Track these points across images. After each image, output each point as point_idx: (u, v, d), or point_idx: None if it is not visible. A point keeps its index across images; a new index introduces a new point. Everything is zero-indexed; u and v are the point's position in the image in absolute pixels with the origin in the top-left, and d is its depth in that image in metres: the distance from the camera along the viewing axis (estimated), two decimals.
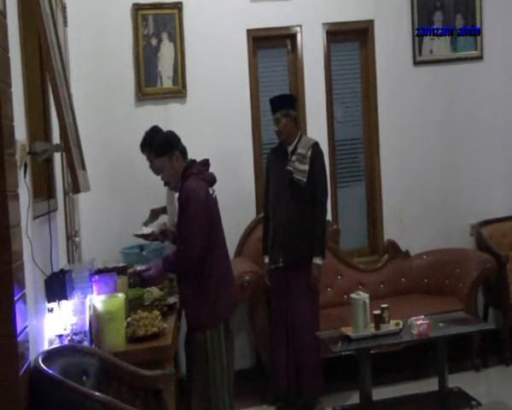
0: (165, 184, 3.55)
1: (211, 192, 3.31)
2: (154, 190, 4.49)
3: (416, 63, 5.04)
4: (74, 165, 2.68)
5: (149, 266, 3.34)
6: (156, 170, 3.70)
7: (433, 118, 5.09)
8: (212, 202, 3.30)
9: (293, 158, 4.06)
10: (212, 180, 3.35)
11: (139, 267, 3.38)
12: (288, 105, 4.11)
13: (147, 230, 4.03)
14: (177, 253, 3.23)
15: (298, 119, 4.26)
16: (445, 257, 4.87)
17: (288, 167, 4.06)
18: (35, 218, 2.53)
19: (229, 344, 3.30)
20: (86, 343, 2.62)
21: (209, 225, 3.20)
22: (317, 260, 4.01)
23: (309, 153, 4.06)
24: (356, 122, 5.16)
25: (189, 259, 3.14)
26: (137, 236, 4.14)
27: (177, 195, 3.43)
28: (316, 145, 4.12)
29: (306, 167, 4.03)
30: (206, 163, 3.35)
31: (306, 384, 4.05)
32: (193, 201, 3.13)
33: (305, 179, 4.02)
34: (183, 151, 3.32)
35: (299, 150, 4.07)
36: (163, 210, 4.34)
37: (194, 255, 3.13)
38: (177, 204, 3.42)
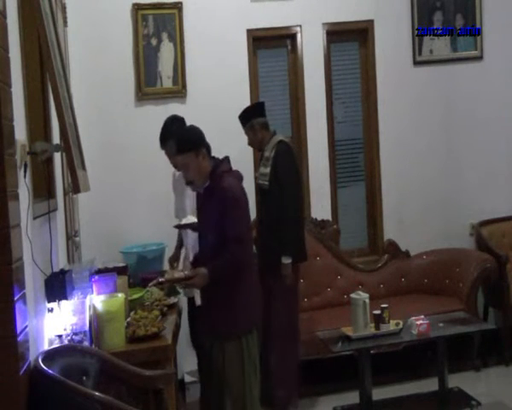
0: (188, 183, 3.17)
1: None
2: (155, 190, 4.50)
3: (416, 63, 5.04)
4: (74, 165, 2.68)
5: (192, 273, 3.01)
6: (180, 167, 3.37)
7: (433, 118, 5.09)
8: (247, 201, 3.18)
9: (260, 163, 4.04)
10: (241, 178, 3.19)
11: (177, 274, 3.06)
12: (250, 116, 4.01)
13: (192, 219, 3.55)
14: (228, 253, 2.98)
15: (266, 123, 4.06)
16: (444, 257, 4.87)
17: (255, 173, 4.04)
18: (35, 218, 2.54)
19: (258, 348, 3.15)
20: (86, 343, 2.62)
21: (248, 224, 3.16)
22: (284, 260, 3.86)
23: (272, 154, 3.95)
24: (356, 122, 5.16)
25: (240, 257, 3.01)
26: (180, 226, 3.78)
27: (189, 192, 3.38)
28: (279, 143, 3.96)
29: (268, 170, 3.93)
30: (229, 160, 3.19)
31: (277, 388, 3.96)
32: (241, 201, 3.04)
33: (266, 183, 3.92)
34: (209, 148, 3.12)
35: (265, 153, 3.99)
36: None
37: (243, 253, 3.02)
38: (193, 201, 3.35)
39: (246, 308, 3.03)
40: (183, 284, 3.08)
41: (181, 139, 3.07)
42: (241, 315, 3.02)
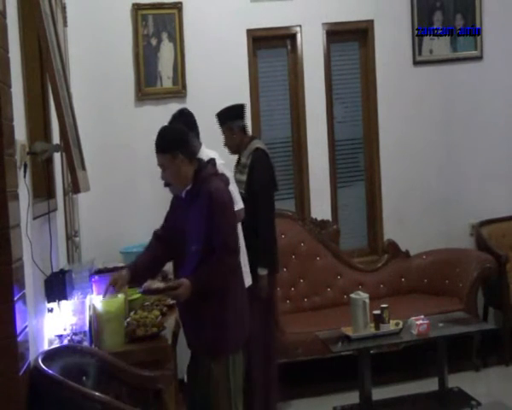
0: (166, 185, 2.99)
1: None
2: (155, 190, 4.49)
3: (416, 63, 5.04)
4: (74, 165, 2.68)
5: (175, 284, 2.73)
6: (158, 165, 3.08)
7: (433, 118, 5.09)
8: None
9: (237, 169, 3.95)
10: (228, 182, 2.97)
11: (156, 285, 2.77)
12: (229, 117, 3.92)
13: None
14: (218, 263, 2.73)
15: (245, 127, 3.98)
16: (444, 257, 4.87)
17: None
18: (35, 218, 2.54)
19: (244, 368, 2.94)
20: (86, 343, 2.63)
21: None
22: (261, 271, 3.74)
23: (248, 161, 3.86)
24: (356, 122, 5.16)
25: (233, 268, 2.80)
26: None
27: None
28: (256, 151, 3.87)
29: (244, 178, 3.83)
30: (214, 164, 2.97)
31: (254, 395, 3.90)
32: (229, 206, 2.81)
33: (243, 191, 3.79)
34: (191, 153, 2.84)
35: (242, 160, 3.92)
36: None
37: (236, 264, 2.82)
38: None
39: (236, 327, 2.80)
40: (166, 295, 2.88)
41: (159, 138, 2.82)
42: (231, 334, 2.79)
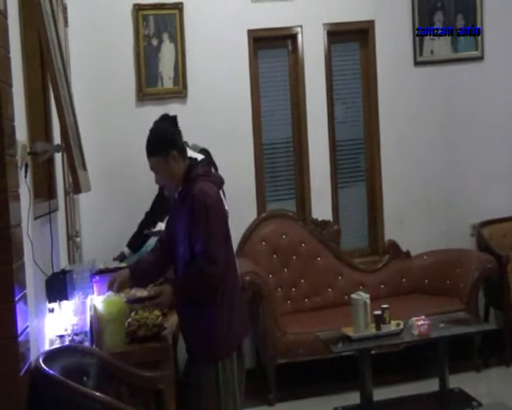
0: (161, 188, 2.92)
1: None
2: (155, 191, 4.49)
3: (417, 63, 5.04)
4: (75, 165, 2.68)
5: (156, 292, 2.70)
6: (151, 169, 2.99)
7: (434, 118, 5.09)
8: (225, 209, 2.84)
9: None
10: (221, 183, 2.87)
11: (140, 293, 2.74)
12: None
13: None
14: (197, 271, 2.64)
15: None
16: (445, 257, 4.86)
17: None
18: (36, 218, 2.54)
19: (240, 373, 2.80)
20: (87, 344, 2.63)
21: (225, 237, 2.76)
22: None
23: None
24: (356, 122, 5.15)
25: (214, 277, 2.63)
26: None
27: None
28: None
29: None
30: (209, 163, 2.93)
31: None
32: (213, 210, 2.64)
33: None
34: (182, 149, 2.77)
35: None
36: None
37: (218, 273, 2.63)
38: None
39: (226, 329, 2.69)
40: (148, 304, 2.78)
41: (148, 141, 2.76)
42: (221, 336, 2.69)
